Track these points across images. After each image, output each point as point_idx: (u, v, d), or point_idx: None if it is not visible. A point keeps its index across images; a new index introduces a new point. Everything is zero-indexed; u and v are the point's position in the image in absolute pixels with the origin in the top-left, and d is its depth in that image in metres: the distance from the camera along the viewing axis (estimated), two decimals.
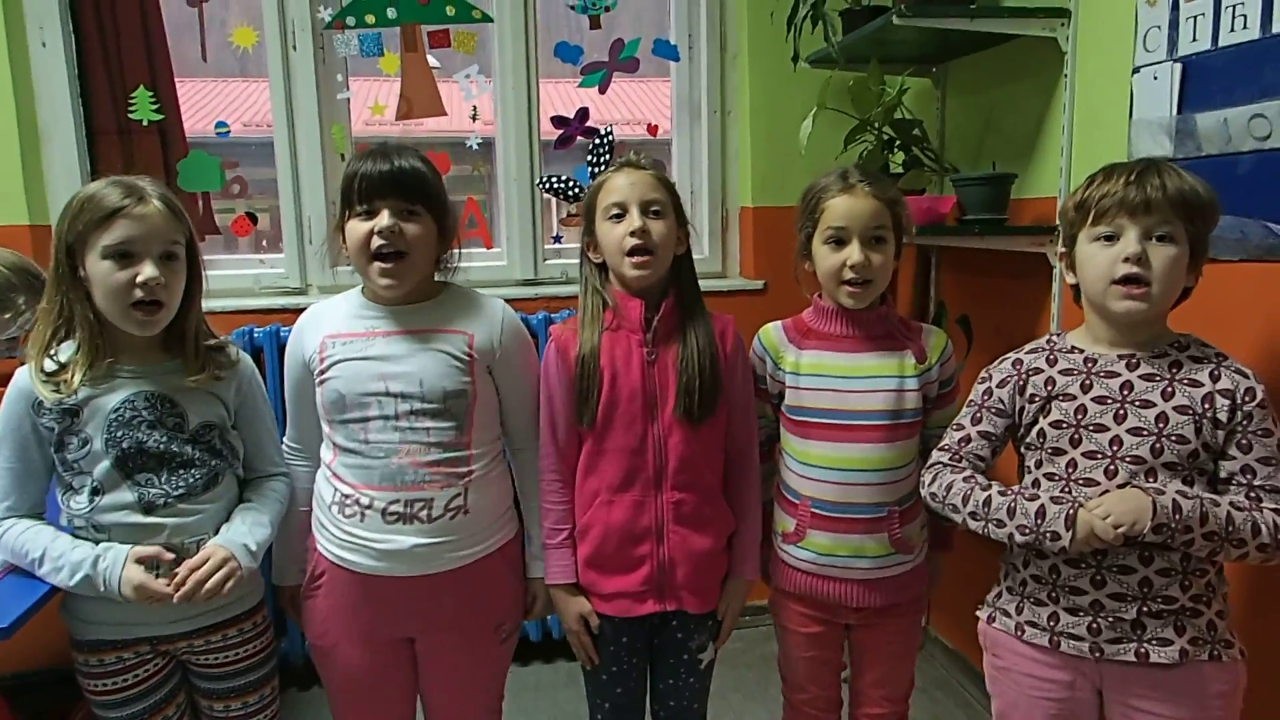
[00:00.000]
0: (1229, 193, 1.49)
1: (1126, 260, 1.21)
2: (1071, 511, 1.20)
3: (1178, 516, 1.15)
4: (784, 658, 1.64)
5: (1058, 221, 1.37)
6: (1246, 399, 1.20)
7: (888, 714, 1.61)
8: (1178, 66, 1.59)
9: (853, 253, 1.44)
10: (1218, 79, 1.52)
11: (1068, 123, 1.89)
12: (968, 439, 1.39)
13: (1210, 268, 1.52)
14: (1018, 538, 1.25)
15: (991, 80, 2.22)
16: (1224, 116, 1.50)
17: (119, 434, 1.31)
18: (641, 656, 1.56)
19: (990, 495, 1.30)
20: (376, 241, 1.37)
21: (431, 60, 2.52)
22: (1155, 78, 1.63)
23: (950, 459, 1.39)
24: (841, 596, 1.52)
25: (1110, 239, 1.24)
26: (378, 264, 1.38)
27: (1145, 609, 1.23)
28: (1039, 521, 1.22)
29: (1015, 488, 1.31)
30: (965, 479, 1.34)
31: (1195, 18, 1.55)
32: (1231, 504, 1.18)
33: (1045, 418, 1.31)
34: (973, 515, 1.31)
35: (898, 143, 2.21)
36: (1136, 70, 1.68)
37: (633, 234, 1.43)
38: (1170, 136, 1.61)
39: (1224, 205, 1.49)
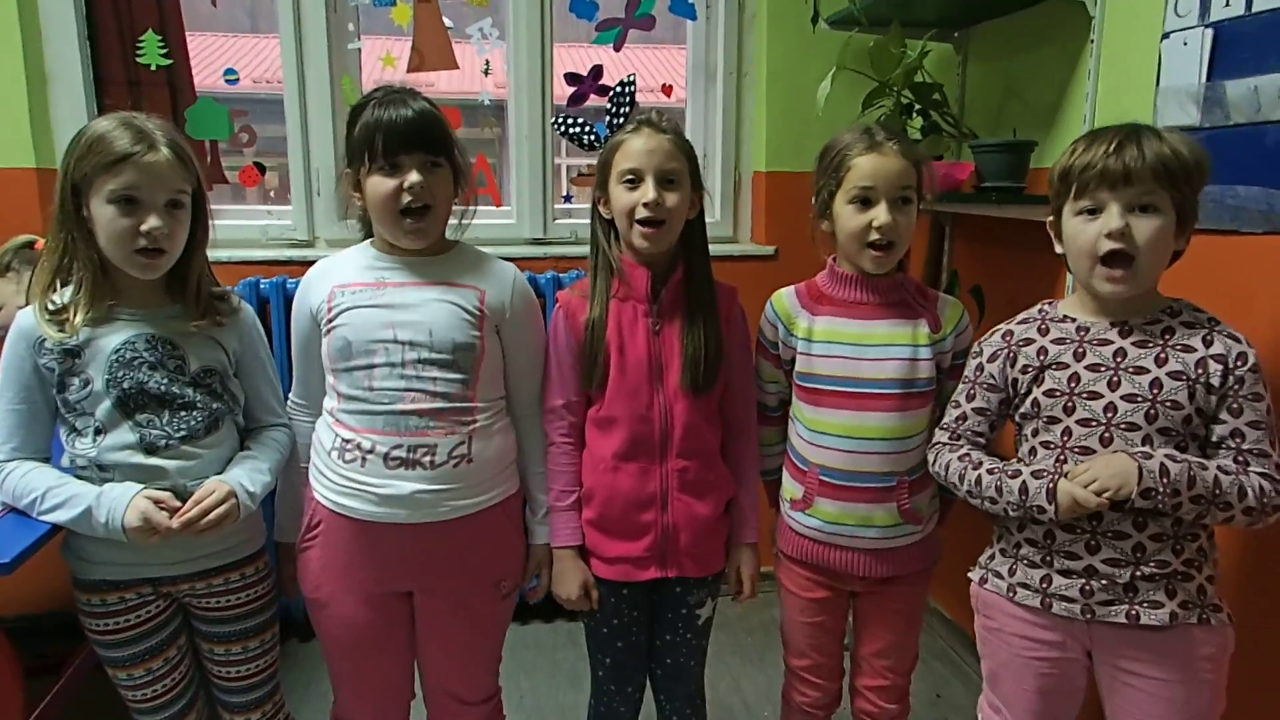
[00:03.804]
0: (1257, 163, 1.47)
1: (1110, 236, 1.20)
2: (1051, 485, 1.21)
3: (1165, 480, 1.15)
4: (786, 623, 1.64)
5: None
6: (1238, 363, 1.20)
7: (889, 685, 1.60)
8: (1209, 32, 1.55)
9: (880, 213, 1.41)
10: (1250, 46, 1.48)
11: (1092, 89, 1.85)
12: (964, 416, 1.40)
13: (1235, 240, 1.51)
14: (1010, 513, 1.28)
15: (1014, 45, 2.17)
16: (1254, 84, 1.47)
17: (120, 374, 1.30)
18: (643, 610, 1.57)
19: (980, 474, 1.31)
20: (406, 198, 1.35)
21: (445, 21, 2.48)
22: (1185, 43, 1.59)
23: (949, 438, 1.41)
24: (848, 565, 1.51)
25: (1093, 213, 1.23)
26: (408, 220, 1.36)
27: (1138, 573, 1.23)
28: (1023, 498, 1.24)
29: (1001, 464, 1.32)
30: (960, 458, 1.36)
31: None
32: (1219, 467, 1.18)
33: (1039, 387, 1.31)
34: (970, 494, 1.34)
35: (916, 107, 2.17)
36: (1166, 36, 1.64)
37: (645, 205, 1.42)
38: (1198, 104, 1.57)
39: (1250, 176, 1.47)
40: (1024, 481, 1.25)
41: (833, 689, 1.64)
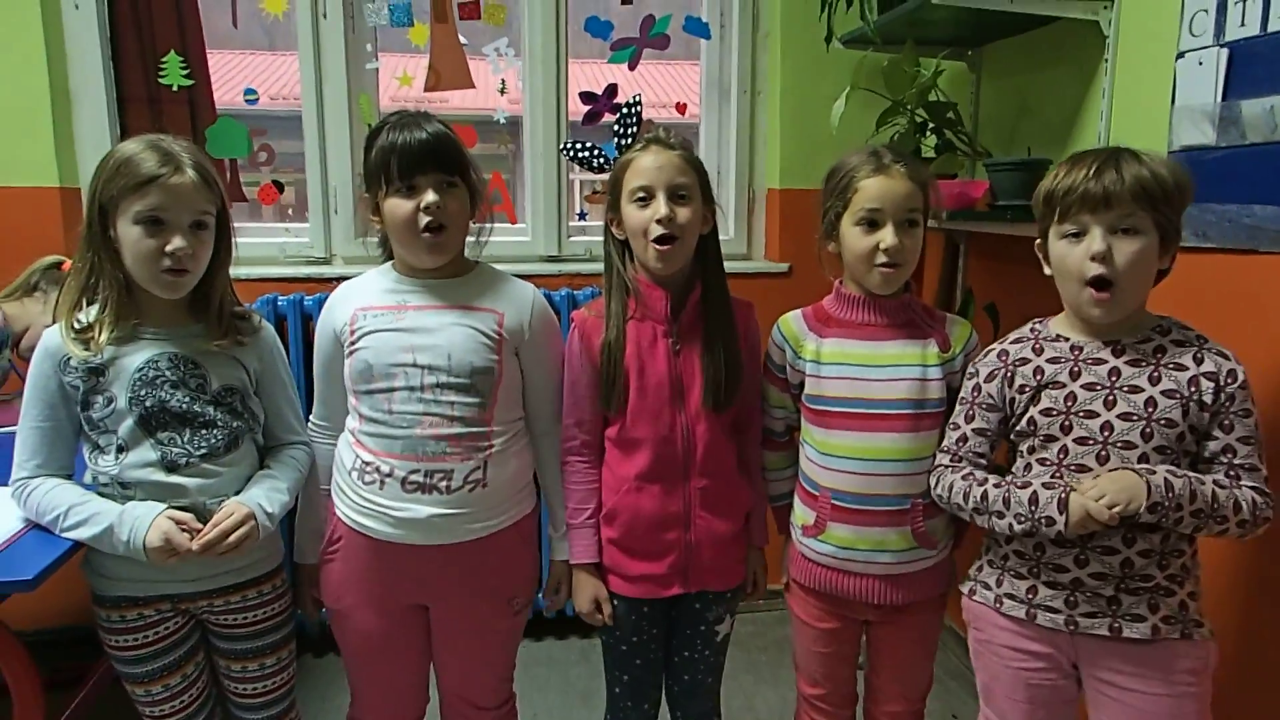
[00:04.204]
0: (1273, 182, 1.46)
1: (1093, 259, 1.22)
2: (1064, 496, 1.22)
3: (1170, 495, 1.17)
4: (799, 651, 1.62)
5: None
6: (1229, 380, 1.23)
7: (904, 712, 1.58)
8: (1224, 51, 1.55)
9: (886, 235, 1.41)
10: (1265, 65, 1.48)
11: (1106, 109, 1.85)
12: (964, 438, 1.40)
13: (1251, 259, 1.50)
14: (1016, 526, 1.27)
15: (1028, 64, 2.18)
16: (1271, 104, 1.46)
17: (142, 393, 1.32)
18: (661, 628, 1.57)
19: (986, 489, 1.31)
20: (424, 219, 1.37)
21: (461, 40, 2.51)
22: (1200, 63, 1.59)
23: (951, 460, 1.40)
24: (862, 593, 1.49)
25: (1077, 236, 1.25)
26: (427, 236, 1.38)
27: (1123, 587, 1.25)
28: (1033, 508, 1.24)
29: (1009, 478, 1.32)
30: (964, 477, 1.36)
31: (1244, 1, 1.50)
32: (1215, 482, 1.21)
33: (1035, 406, 1.32)
34: (976, 511, 1.33)
35: (930, 126, 2.17)
36: (1181, 55, 1.64)
37: (659, 221, 1.42)
38: (1213, 124, 1.57)
39: (1266, 195, 1.47)
40: (1035, 492, 1.25)
41: (845, 715, 1.63)
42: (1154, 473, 1.19)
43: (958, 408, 1.43)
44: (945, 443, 1.42)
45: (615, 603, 1.53)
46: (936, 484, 1.40)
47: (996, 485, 1.31)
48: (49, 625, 2.13)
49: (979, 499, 1.32)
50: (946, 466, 1.40)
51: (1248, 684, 1.50)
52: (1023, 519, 1.25)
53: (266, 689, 1.48)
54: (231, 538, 1.30)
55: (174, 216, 1.29)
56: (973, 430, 1.39)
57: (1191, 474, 1.21)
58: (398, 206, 1.38)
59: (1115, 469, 1.23)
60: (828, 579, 1.51)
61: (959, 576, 1.55)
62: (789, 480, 1.59)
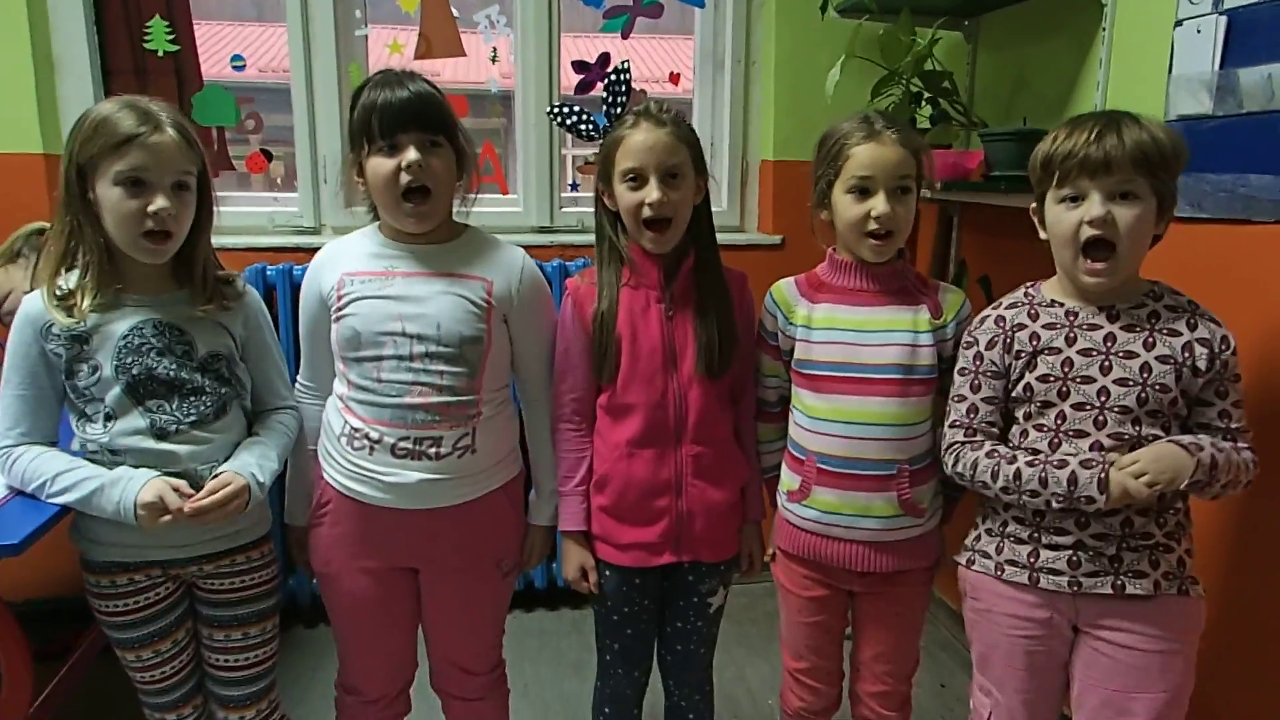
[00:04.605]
0: (1269, 152, 1.45)
1: (1091, 224, 1.22)
2: (1103, 475, 1.22)
3: (1213, 472, 1.19)
4: (785, 624, 1.62)
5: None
6: (1223, 347, 1.25)
7: (890, 691, 1.57)
8: (1222, 19, 1.53)
9: (878, 203, 1.39)
10: (1264, 33, 1.47)
11: (1103, 78, 1.83)
12: (974, 409, 1.38)
13: (1246, 229, 1.50)
14: (1054, 505, 1.27)
15: (1025, 34, 2.16)
16: (1269, 72, 1.45)
17: (128, 360, 1.31)
18: (653, 599, 1.57)
19: (1019, 468, 1.29)
20: (405, 178, 1.34)
21: (452, 10, 2.48)
22: (1199, 31, 1.58)
23: (966, 435, 1.38)
24: (846, 559, 1.48)
25: (1075, 200, 1.25)
26: (408, 204, 1.36)
27: (1125, 545, 1.27)
28: (1072, 488, 1.24)
29: (1040, 456, 1.30)
30: (988, 454, 1.33)
31: None
32: (1234, 449, 1.23)
33: (1032, 372, 1.32)
34: (1005, 490, 1.31)
35: (926, 96, 2.15)
36: (1179, 23, 1.62)
37: (650, 204, 1.41)
38: (1211, 93, 1.55)
39: (1262, 165, 1.46)
40: (1073, 472, 1.23)
41: (831, 694, 1.62)
42: (1202, 448, 1.20)
43: (959, 378, 1.40)
44: (953, 416, 1.40)
45: (607, 573, 1.53)
46: (955, 462, 1.37)
47: (1030, 464, 1.28)
48: (40, 596, 2.12)
49: (1010, 478, 1.29)
50: (963, 442, 1.37)
51: (1233, 645, 1.52)
52: (1060, 499, 1.25)
53: (249, 661, 1.46)
54: (228, 507, 1.29)
55: (155, 176, 1.26)
56: (981, 400, 1.37)
57: (1224, 444, 1.23)
58: (379, 165, 1.35)
59: (1118, 436, 1.25)
60: (812, 545, 1.51)
61: (949, 549, 1.55)
62: (779, 453, 1.58)
